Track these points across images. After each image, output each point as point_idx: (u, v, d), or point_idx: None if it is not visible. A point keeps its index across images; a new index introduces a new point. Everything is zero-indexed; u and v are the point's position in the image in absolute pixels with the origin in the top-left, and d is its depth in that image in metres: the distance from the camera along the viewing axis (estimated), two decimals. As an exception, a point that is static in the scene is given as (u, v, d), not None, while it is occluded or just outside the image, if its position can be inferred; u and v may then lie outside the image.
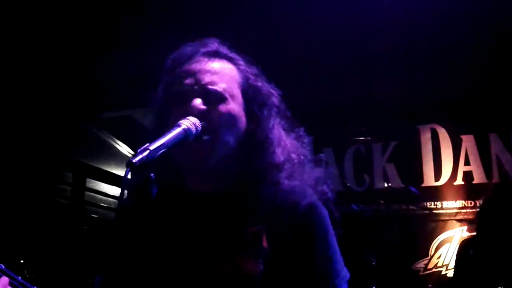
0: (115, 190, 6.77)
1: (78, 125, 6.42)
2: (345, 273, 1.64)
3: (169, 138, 1.43)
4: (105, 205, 6.60)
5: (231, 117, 1.62)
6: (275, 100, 1.75)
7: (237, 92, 1.67)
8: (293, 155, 1.72)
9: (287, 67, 5.50)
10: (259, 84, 1.73)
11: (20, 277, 1.47)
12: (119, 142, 7.16)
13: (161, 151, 1.38)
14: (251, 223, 1.58)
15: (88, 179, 6.29)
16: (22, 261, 4.48)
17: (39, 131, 5.52)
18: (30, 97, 5.39)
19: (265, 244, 1.56)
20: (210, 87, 1.61)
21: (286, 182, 1.66)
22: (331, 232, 1.65)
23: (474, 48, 5.37)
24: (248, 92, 1.70)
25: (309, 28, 5.06)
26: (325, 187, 1.73)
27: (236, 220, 1.59)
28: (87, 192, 6.29)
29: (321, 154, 1.82)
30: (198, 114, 1.56)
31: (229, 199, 1.62)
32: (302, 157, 1.74)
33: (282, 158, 1.68)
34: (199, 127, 1.54)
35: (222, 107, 1.61)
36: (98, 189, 6.56)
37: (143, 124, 6.43)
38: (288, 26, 4.96)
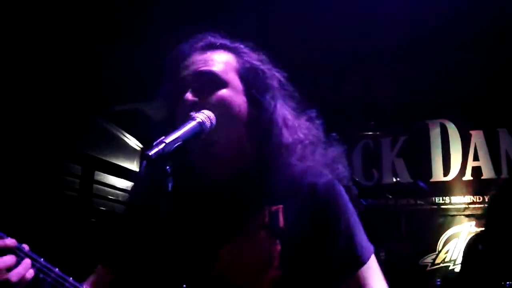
0: (123, 183, 6.79)
1: (87, 118, 6.44)
2: (370, 247, 1.65)
3: (184, 131, 1.45)
4: (113, 197, 6.62)
5: (230, 103, 1.64)
6: (280, 82, 1.78)
7: (234, 78, 1.69)
8: (303, 136, 1.74)
9: (294, 62, 5.49)
10: (260, 67, 1.75)
11: (42, 259, 1.48)
12: (128, 135, 7.18)
13: (177, 144, 1.40)
14: (267, 203, 1.61)
15: (96, 172, 6.31)
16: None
17: (48, 124, 5.54)
18: (40, 90, 5.41)
19: (282, 224, 1.58)
20: (202, 68, 1.65)
21: (299, 162, 1.69)
22: (352, 209, 1.67)
23: (485, 43, 5.34)
24: (247, 77, 1.71)
25: (315, 22, 5.05)
26: (340, 166, 1.75)
27: (252, 202, 1.62)
28: (95, 185, 6.31)
29: (334, 134, 1.83)
30: (191, 106, 1.59)
31: (243, 182, 1.64)
32: (314, 137, 1.76)
33: (290, 139, 1.71)
34: (214, 121, 1.56)
35: (220, 94, 1.64)
36: (106, 182, 6.57)
37: (152, 117, 6.46)
38: (293, 21, 4.96)
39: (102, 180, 6.51)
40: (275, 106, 1.72)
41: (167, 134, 1.41)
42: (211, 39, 1.75)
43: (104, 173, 6.58)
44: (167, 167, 1.38)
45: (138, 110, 6.56)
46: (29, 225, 4.89)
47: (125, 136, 7.19)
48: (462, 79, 5.99)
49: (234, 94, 1.66)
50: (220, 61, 1.69)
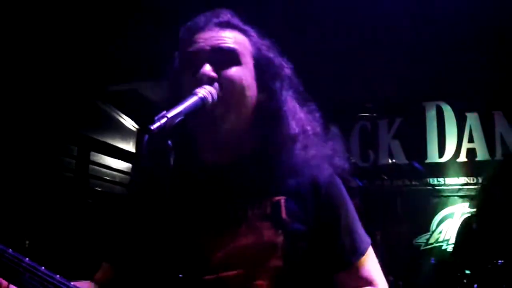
0: (119, 164, 6.79)
1: (83, 99, 6.41)
2: (368, 239, 1.70)
3: (186, 106, 1.43)
4: (109, 178, 6.63)
5: (241, 84, 1.62)
6: (288, 72, 1.75)
7: (249, 61, 1.68)
8: (308, 127, 1.73)
9: (293, 45, 5.48)
10: (272, 55, 1.73)
11: (27, 259, 1.46)
12: (124, 116, 7.17)
13: (179, 119, 1.39)
14: (269, 193, 1.60)
15: (92, 153, 6.31)
16: (26, 236, 4.52)
17: (44, 104, 5.52)
18: (36, 71, 5.38)
19: (284, 215, 1.58)
20: (222, 44, 1.62)
21: (302, 153, 1.67)
22: (350, 203, 1.70)
23: (481, 25, 5.34)
24: (260, 62, 1.70)
25: (313, 7, 5.04)
26: (340, 159, 1.74)
27: (254, 191, 1.60)
28: (91, 166, 6.32)
29: (333, 128, 1.83)
30: (207, 81, 1.56)
31: (246, 169, 1.63)
32: (315, 129, 1.74)
33: (297, 130, 1.69)
34: (216, 96, 1.54)
35: (233, 72, 1.61)
36: (102, 163, 6.58)
37: (149, 97, 6.44)
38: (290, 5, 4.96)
39: (98, 161, 6.52)
40: (285, 95, 1.71)
41: (170, 108, 1.40)
42: (229, 17, 1.72)
43: (100, 153, 6.58)
44: (169, 142, 1.37)
45: (134, 90, 6.54)
46: (25, 206, 4.90)
47: (121, 116, 7.19)
48: (458, 62, 6.00)
49: (248, 75, 1.65)
50: (239, 41, 1.67)
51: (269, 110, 1.67)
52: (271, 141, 1.66)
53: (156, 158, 1.39)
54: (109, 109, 7.02)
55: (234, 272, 1.51)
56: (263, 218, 1.57)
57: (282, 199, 1.60)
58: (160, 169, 1.41)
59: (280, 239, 1.54)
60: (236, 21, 1.72)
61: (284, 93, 1.71)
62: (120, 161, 6.79)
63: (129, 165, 6.83)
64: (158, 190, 1.50)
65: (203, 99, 1.50)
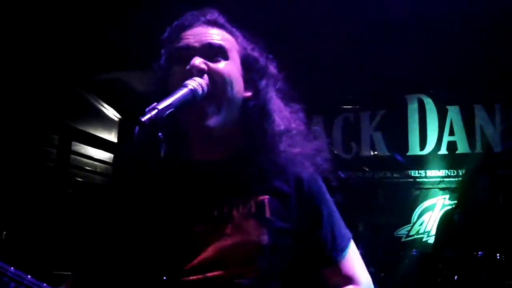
0: (101, 154, 6.74)
1: (65, 88, 6.34)
2: (349, 235, 1.76)
3: (176, 98, 1.44)
4: (90, 168, 6.57)
5: (230, 78, 1.64)
6: (273, 72, 1.79)
7: (236, 58, 1.71)
8: (292, 126, 1.76)
9: (278, 35, 5.47)
10: (257, 55, 1.77)
11: (12, 268, 1.44)
12: (106, 106, 7.10)
13: (169, 111, 1.39)
14: (254, 193, 1.62)
15: (74, 142, 6.25)
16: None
17: (25, 92, 5.46)
18: (16, 58, 5.31)
19: (268, 215, 1.60)
20: (210, 40, 1.65)
21: (287, 151, 1.70)
22: (331, 200, 1.76)
23: (462, 20, 5.38)
24: (247, 61, 1.73)
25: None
26: (322, 159, 1.77)
27: (240, 190, 1.62)
28: (72, 156, 6.26)
29: (316, 127, 1.85)
30: (197, 73, 1.57)
31: (231, 168, 1.65)
32: (299, 129, 1.77)
33: (282, 128, 1.72)
34: (206, 88, 1.55)
35: (222, 66, 1.63)
36: (84, 153, 6.52)
37: (132, 87, 6.39)
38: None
39: (80, 151, 6.46)
40: (271, 94, 1.74)
41: (160, 100, 1.40)
42: (216, 16, 1.74)
43: (82, 143, 6.52)
44: (159, 134, 1.37)
45: (118, 80, 6.49)
46: (3, 196, 4.85)
47: (104, 106, 7.12)
48: (440, 55, 6.03)
49: (235, 71, 1.68)
50: (226, 38, 1.70)
51: (254, 108, 1.70)
52: (256, 139, 1.69)
53: (146, 150, 1.39)
54: (92, 98, 6.95)
55: (220, 272, 1.51)
56: (248, 217, 1.58)
57: (266, 198, 1.61)
58: (150, 161, 1.41)
59: (265, 238, 1.56)
60: (222, 20, 1.75)
61: (270, 92, 1.74)
62: (101, 151, 6.73)
63: (111, 155, 6.77)
64: (144, 184, 1.50)
65: (193, 91, 1.51)
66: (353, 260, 1.73)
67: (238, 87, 1.67)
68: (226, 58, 1.66)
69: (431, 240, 6.01)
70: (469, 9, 5.18)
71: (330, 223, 1.70)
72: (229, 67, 1.65)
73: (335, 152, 6.70)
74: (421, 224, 6.35)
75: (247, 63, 1.72)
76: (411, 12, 5.27)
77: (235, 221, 1.57)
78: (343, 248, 1.70)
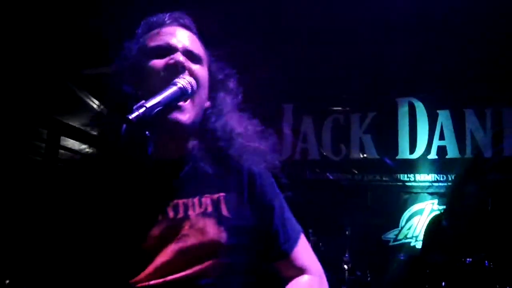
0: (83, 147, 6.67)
1: (55, 81, 6.29)
2: (299, 228, 1.83)
3: (165, 96, 1.44)
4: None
5: (204, 81, 1.71)
6: (232, 82, 1.87)
7: (205, 66, 1.77)
8: (248, 128, 1.81)
9: (270, 36, 5.47)
10: (219, 69, 1.85)
11: None
12: (96, 101, 7.04)
13: (158, 109, 1.37)
14: (209, 191, 1.64)
15: (62, 137, 6.20)
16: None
17: (15, 86, 5.41)
18: (4, 51, 5.26)
19: (225, 212, 1.61)
20: (191, 48, 1.70)
21: (240, 148, 1.75)
22: (281, 196, 1.82)
23: (455, 24, 5.38)
24: (211, 70, 1.80)
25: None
26: (273, 157, 1.82)
27: (195, 188, 1.63)
28: (61, 150, 6.20)
29: (269, 129, 1.87)
30: (181, 69, 1.60)
31: (186, 167, 1.67)
32: (253, 130, 1.83)
33: (236, 130, 1.77)
34: (195, 87, 1.56)
35: (199, 69, 1.69)
36: (72, 148, 6.47)
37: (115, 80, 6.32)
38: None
39: (68, 146, 6.40)
40: (229, 101, 1.82)
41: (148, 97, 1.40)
42: (190, 21, 1.80)
43: (71, 138, 6.47)
44: (147, 132, 1.35)
45: (107, 75, 6.44)
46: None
47: (93, 101, 7.06)
48: (431, 59, 6.04)
49: (206, 77, 1.75)
50: (200, 46, 1.77)
51: (214, 108, 1.77)
52: (210, 139, 1.74)
53: (133, 148, 1.37)
54: (81, 93, 6.89)
55: (181, 273, 1.51)
56: (205, 216, 1.58)
57: (222, 195, 1.63)
58: (136, 160, 1.39)
59: (224, 235, 1.56)
60: (194, 28, 1.81)
61: (228, 99, 1.82)
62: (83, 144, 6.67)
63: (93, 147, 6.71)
64: (108, 185, 1.48)
65: (182, 89, 1.51)
66: (304, 251, 1.79)
67: (205, 94, 1.74)
68: (202, 64, 1.72)
69: (419, 244, 6.01)
70: (461, 13, 5.19)
71: (281, 217, 1.76)
72: (204, 72, 1.72)
73: (324, 153, 6.68)
74: (409, 229, 6.35)
75: (211, 72, 1.80)
76: (406, 15, 5.27)
77: (192, 222, 1.56)
78: (295, 241, 1.76)
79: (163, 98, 1.42)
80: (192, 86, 1.55)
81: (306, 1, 5.07)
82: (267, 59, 5.36)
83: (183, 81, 1.52)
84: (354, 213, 5.80)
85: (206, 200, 1.61)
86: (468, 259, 4.13)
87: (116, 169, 1.48)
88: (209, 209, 1.59)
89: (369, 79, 6.29)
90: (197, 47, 1.73)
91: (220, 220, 1.58)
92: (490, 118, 6.30)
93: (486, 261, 4.08)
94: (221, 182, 1.66)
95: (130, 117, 1.31)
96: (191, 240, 1.54)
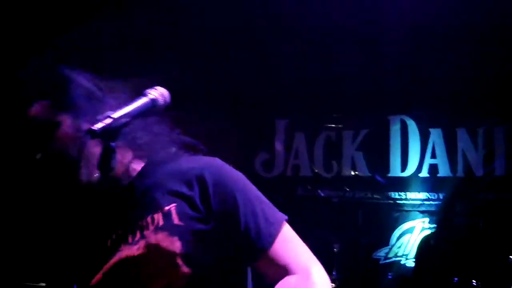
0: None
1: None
2: (280, 218, 1.62)
3: (134, 108, 1.39)
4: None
5: None
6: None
7: None
8: (185, 140, 1.73)
9: (262, 53, 5.48)
10: None
11: None
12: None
13: (125, 120, 1.34)
14: (160, 205, 1.56)
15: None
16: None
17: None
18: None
19: (176, 221, 1.52)
20: None
21: (184, 158, 1.69)
22: (246, 184, 1.64)
23: (448, 43, 5.41)
24: None
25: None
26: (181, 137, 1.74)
27: (147, 207, 1.57)
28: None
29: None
30: None
31: (136, 188, 1.61)
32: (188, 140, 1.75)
33: (176, 144, 1.71)
34: (168, 99, 1.50)
35: None
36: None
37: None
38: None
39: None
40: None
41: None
42: None
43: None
44: (112, 143, 1.32)
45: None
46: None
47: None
48: (424, 77, 6.06)
49: None
50: None
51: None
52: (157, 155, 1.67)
53: (97, 161, 1.33)
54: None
55: None
56: (157, 231, 1.52)
57: (172, 206, 1.55)
58: (101, 172, 1.35)
59: (177, 245, 1.49)
60: None
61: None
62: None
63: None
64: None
65: (154, 101, 1.44)
66: (287, 245, 1.57)
67: None
68: None
69: (409, 263, 5.98)
70: (454, 33, 5.22)
71: (250, 211, 1.55)
72: None
73: (316, 170, 6.66)
74: (399, 247, 6.32)
75: None
76: (398, 33, 5.29)
77: (147, 240, 1.51)
78: (271, 235, 1.55)
79: (132, 109, 1.37)
80: (165, 98, 1.48)
81: (300, 17, 5.09)
82: (260, 74, 5.35)
83: (155, 92, 1.46)
84: (344, 230, 5.77)
85: (158, 215, 1.54)
86: (455, 279, 4.11)
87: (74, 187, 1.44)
88: (161, 223, 1.52)
89: (362, 96, 6.29)
90: None
91: (171, 230, 1.51)
92: (481, 138, 6.30)
93: (473, 281, 4.06)
94: (171, 191, 1.57)
95: (93, 128, 1.27)
96: (148, 258, 1.49)
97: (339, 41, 5.47)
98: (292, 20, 5.17)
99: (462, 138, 6.38)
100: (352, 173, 6.60)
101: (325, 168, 6.68)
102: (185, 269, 1.48)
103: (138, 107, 1.40)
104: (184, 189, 1.57)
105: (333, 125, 6.72)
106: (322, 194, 6.55)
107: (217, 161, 1.65)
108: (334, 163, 6.66)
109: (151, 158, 1.66)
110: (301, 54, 5.68)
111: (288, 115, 6.69)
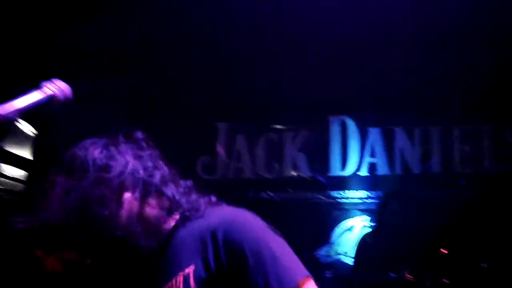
0: (15, 172, 6.43)
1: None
2: (295, 276, 1.56)
3: (27, 104, 1.34)
4: (2, 187, 6.26)
5: None
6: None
7: None
8: (197, 198, 1.75)
9: (205, 56, 5.45)
10: None
11: None
12: (21, 121, 6.78)
13: (14, 117, 1.29)
14: (182, 266, 1.57)
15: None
16: None
17: None
18: None
19: (192, 285, 1.51)
20: None
21: (195, 216, 1.69)
22: (264, 239, 1.59)
23: (386, 42, 5.50)
24: None
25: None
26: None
27: (174, 267, 1.59)
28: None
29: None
30: None
31: (160, 253, 1.64)
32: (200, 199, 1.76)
33: (190, 205, 1.71)
34: (69, 94, 1.45)
35: None
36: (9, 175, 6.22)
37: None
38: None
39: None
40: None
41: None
42: None
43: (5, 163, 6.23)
44: None
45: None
46: None
47: (18, 121, 6.80)
48: (363, 79, 6.15)
49: None
50: None
51: None
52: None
53: None
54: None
55: None
56: None
57: (191, 269, 1.54)
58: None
59: None
60: None
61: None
62: (16, 168, 6.42)
63: (25, 173, 6.47)
64: None
65: (52, 97, 1.40)
66: None
67: None
68: None
69: (349, 260, 6.07)
70: (392, 32, 5.31)
71: (262, 273, 1.48)
72: None
73: (258, 172, 6.67)
74: (340, 245, 6.41)
75: None
76: (344, 35, 5.35)
77: None
78: None
79: (24, 106, 1.32)
80: (66, 95, 1.42)
81: (243, 21, 5.08)
82: (201, 76, 5.31)
83: (53, 86, 1.40)
84: (287, 230, 5.80)
85: (179, 278, 1.54)
86: (392, 275, 4.19)
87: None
88: (180, 286, 1.53)
89: (301, 97, 6.34)
90: None
91: None
92: (418, 137, 6.47)
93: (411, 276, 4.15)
94: (190, 253, 1.57)
95: None
96: None
97: (278, 43, 5.50)
98: (234, 23, 5.16)
99: (400, 137, 6.53)
100: (294, 173, 6.65)
101: (267, 170, 6.71)
102: None
103: (31, 103, 1.34)
104: (200, 248, 1.56)
105: (273, 127, 6.75)
106: (265, 196, 6.57)
107: (235, 217, 1.64)
108: (276, 164, 6.69)
109: (182, 215, 1.68)
110: (242, 56, 5.67)
111: (229, 118, 6.68)
